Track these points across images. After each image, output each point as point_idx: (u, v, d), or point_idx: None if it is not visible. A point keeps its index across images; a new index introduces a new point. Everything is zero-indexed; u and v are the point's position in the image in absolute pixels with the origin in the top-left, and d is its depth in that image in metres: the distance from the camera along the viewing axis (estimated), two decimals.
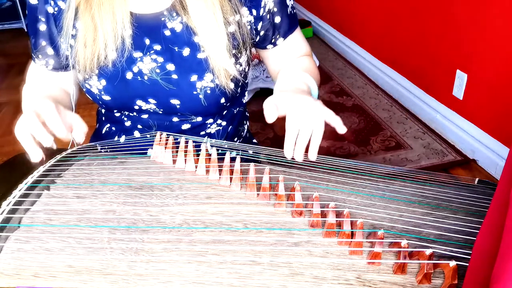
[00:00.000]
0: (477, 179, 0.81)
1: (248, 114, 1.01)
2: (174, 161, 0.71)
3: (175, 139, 0.74)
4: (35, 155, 0.64)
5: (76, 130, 0.69)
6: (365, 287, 0.51)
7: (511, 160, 0.45)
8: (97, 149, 0.82)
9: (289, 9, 0.84)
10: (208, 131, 0.89)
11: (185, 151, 0.70)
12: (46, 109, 0.65)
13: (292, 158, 0.62)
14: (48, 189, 0.65)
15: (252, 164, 0.65)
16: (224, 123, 0.91)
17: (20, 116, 0.67)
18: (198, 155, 0.69)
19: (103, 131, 0.94)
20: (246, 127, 1.00)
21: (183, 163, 0.70)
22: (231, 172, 0.66)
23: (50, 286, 0.51)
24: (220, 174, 0.67)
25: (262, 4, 0.80)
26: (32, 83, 0.87)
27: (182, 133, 0.85)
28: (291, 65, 0.87)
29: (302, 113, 0.62)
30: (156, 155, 0.73)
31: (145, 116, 0.86)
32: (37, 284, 0.51)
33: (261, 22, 0.81)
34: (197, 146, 0.72)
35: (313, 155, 0.60)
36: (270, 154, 0.77)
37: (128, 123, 0.88)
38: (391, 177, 0.75)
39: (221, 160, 0.67)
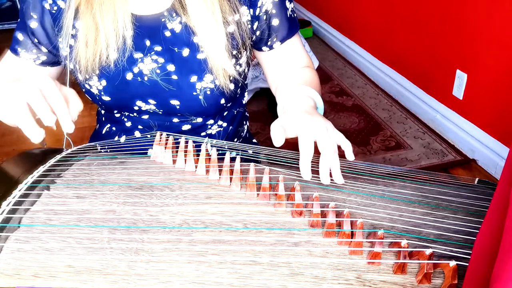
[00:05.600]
0: (477, 179, 0.81)
1: (248, 114, 1.01)
2: (174, 161, 0.71)
3: (175, 139, 0.74)
4: (35, 133, 0.54)
5: (72, 106, 0.62)
6: (365, 287, 0.51)
7: (511, 160, 0.45)
8: (97, 149, 0.82)
9: (289, 12, 0.82)
10: (208, 132, 0.89)
11: (185, 151, 0.70)
12: (49, 85, 0.57)
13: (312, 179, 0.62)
14: (48, 189, 0.65)
15: (252, 164, 0.65)
16: (224, 124, 0.90)
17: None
18: (198, 155, 0.69)
19: (103, 131, 0.94)
20: (246, 127, 1.00)
21: (183, 163, 0.70)
22: (231, 172, 0.66)
23: (50, 286, 0.51)
24: (220, 174, 0.66)
25: (259, 4, 0.79)
26: (7, 73, 0.82)
27: (182, 133, 0.85)
28: (291, 78, 0.83)
29: (316, 135, 0.61)
30: (156, 155, 0.73)
31: (145, 116, 0.86)
32: (37, 284, 0.51)
33: (257, 22, 0.80)
34: (197, 146, 0.72)
35: (339, 179, 0.63)
36: (270, 154, 0.77)
37: (128, 124, 0.88)
38: (391, 177, 0.75)
39: (221, 160, 0.67)
